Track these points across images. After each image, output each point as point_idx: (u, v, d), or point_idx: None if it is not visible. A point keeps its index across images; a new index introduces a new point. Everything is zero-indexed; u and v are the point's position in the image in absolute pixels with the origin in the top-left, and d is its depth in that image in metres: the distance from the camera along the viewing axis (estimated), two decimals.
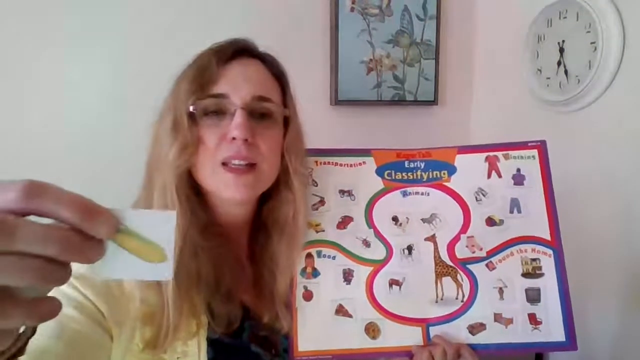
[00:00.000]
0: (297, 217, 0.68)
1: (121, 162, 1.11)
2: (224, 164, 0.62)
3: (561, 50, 1.27)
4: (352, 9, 1.47)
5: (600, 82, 1.15)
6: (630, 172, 1.12)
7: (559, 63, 1.28)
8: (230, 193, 0.63)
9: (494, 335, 0.70)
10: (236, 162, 0.61)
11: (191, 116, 0.62)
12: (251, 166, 0.63)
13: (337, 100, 1.49)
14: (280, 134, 0.67)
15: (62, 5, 1.24)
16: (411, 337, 0.70)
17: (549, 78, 1.31)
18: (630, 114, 1.11)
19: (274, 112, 0.66)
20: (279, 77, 0.69)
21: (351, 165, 0.75)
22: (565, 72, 1.26)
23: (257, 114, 0.64)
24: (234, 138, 0.61)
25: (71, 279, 0.54)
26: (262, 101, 0.64)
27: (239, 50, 0.66)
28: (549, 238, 0.73)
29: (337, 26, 1.46)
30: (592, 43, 1.16)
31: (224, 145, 0.62)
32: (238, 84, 0.63)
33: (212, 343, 0.63)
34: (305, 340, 0.69)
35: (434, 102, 1.59)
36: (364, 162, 0.76)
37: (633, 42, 1.10)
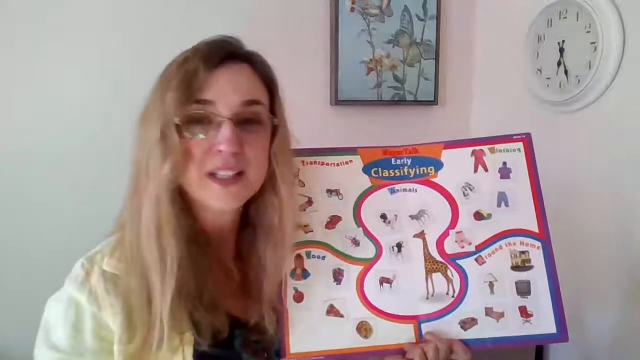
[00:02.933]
0: (282, 222, 0.66)
1: (122, 161, 1.12)
2: (210, 174, 0.61)
3: (561, 50, 1.27)
4: (352, 9, 1.47)
5: (600, 82, 1.15)
6: (630, 172, 1.11)
7: (559, 63, 1.28)
8: (218, 204, 0.62)
9: (485, 329, 0.70)
10: (222, 173, 0.60)
11: (178, 127, 0.60)
12: (239, 175, 0.62)
13: (337, 100, 1.49)
14: (267, 137, 0.66)
15: (62, 5, 1.25)
16: (403, 334, 0.70)
17: (549, 78, 1.31)
18: (630, 114, 1.10)
19: (261, 114, 0.64)
20: (268, 80, 0.68)
21: (338, 164, 0.75)
22: (565, 72, 1.25)
23: (244, 120, 0.62)
24: (220, 150, 0.60)
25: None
26: (250, 105, 0.62)
27: (226, 56, 0.63)
28: (536, 230, 0.72)
29: (337, 26, 1.46)
30: (592, 43, 1.16)
31: (210, 157, 0.60)
32: (226, 92, 0.61)
33: (199, 356, 0.61)
34: (297, 341, 0.68)
35: (434, 102, 1.59)
36: (351, 161, 0.75)
37: (633, 42, 1.09)
